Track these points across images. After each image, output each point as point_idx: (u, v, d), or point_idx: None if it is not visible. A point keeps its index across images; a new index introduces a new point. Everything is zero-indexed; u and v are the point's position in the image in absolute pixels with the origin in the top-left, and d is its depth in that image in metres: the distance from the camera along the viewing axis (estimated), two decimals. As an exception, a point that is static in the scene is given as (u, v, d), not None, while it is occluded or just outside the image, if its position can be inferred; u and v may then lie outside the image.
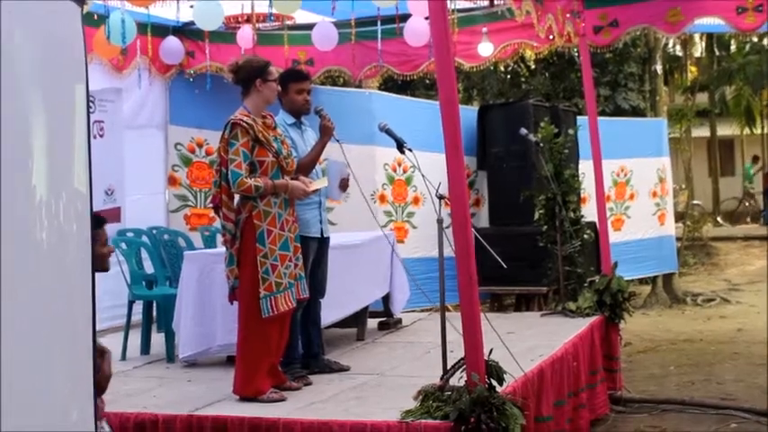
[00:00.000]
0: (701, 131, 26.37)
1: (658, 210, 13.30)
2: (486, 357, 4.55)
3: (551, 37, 8.15)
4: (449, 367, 4.67)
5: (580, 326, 7.21)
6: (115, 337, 7.07)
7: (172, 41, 9.01)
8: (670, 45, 22.64)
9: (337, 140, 5.79)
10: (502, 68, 16.09)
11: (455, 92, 4.80)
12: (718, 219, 23.67)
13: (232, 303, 5.43)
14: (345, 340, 7.16)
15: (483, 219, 10.81)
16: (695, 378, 8.75)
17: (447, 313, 4.90)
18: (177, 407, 5.11)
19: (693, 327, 12.02)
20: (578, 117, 11.29)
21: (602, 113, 13.55)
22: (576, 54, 13.62)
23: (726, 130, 27.02)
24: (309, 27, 8.90)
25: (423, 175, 5.00)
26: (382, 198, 9.86)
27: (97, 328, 3.63)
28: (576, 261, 8.52)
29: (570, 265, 8.45)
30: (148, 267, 7.66)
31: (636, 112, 15.64)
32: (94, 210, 3.71)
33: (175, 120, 9.56)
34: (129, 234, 7.96)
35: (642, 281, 14.19)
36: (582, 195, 9.30)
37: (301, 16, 8.85)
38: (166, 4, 7.88)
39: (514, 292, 10.24)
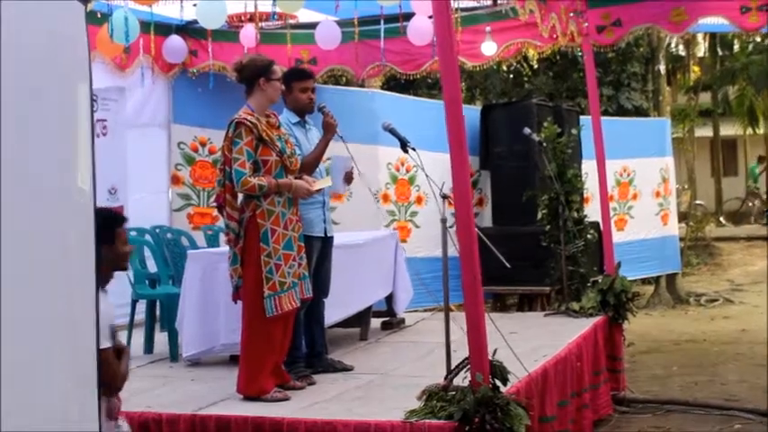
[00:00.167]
0: (704, 131, 26.32)
1: (661, 210, 13.28)
2: (490, 357, 4.54)
3: (555, 36, 8.13)
4: (453, 367, 4.66)
5: (584, 326, 7.20)
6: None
7: (175, 40, 9.00)
8: (673, 45, 22.58)
9: (341, 138, 5.78)
10: (504, 68, 16.07)
11: (459, 91, 4.79)
12: (721, 219, 23.63)
13: (236, 302, 5.42)
14: (348, 340, 7.15)
15: (486, 218, 10.80)
16: (699, 379, 8.73)
17: (450, 313, 4.89)
18: (181, 406, 5.10)
19: (697, 327, 12.01)
20: (581, 117, 11.29)
21: (605, 113, 13.53)
22: (579, 54, 13.61)
23: (729, 129, 26.97)
24: (312, 26, 8.89)
25: (426, 175, 4.99)
26: (385, 197, 9.85)
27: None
28: (579, 261, 8.51)
29: (573, 264, 8.44)
30: (152, 266, 7.66)
31: (639, 111, 15.62)
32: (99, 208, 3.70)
33: (178, 119, 9.56)
34: (132, 233, 7.93)
35: (645, 281, 14.18)
36: (585, 195, 9.29)
37: (304, 15, 8.85)
38: (169, 3, 7.88)
39: (517, 291, 10.23)
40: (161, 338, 6.98)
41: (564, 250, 8.36)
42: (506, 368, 4.62)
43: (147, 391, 5.63)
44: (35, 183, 2.85)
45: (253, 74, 5.39)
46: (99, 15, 7.61)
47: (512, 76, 17.51)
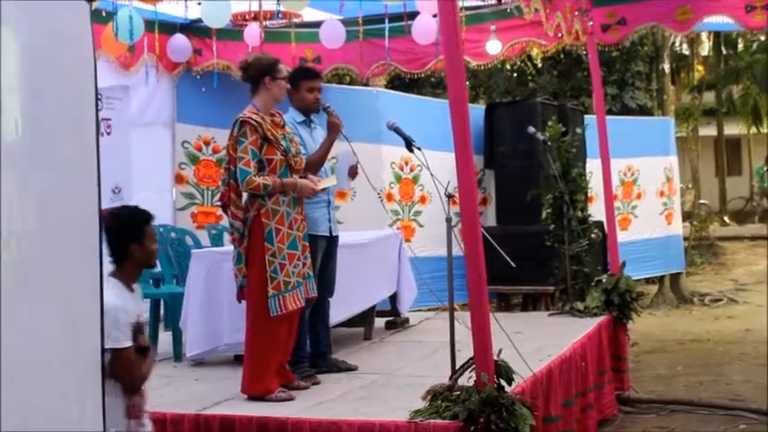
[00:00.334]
0: (708, 130, 26.30)
1: (665, 209, 13.26)
2: (495, 357, 4.52)
3: (560, 35, 8.12)
4: (458, 367, 4.65)
5: (588, 326, 7.19)
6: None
7: (179, 39, 9.00)
8: (677, 44, 22.57)
9: (345, 137, 5.77)
10: (508, 67, 16.05)
11: (464, 90, 4.78)
12: (725, 218, 23.61)
13: (240, 302, 5.41)
14: (353, 339, 7.14)
15: (490, 218, 10.78)
16: (703, 378, 8.72)
17: (455, 313, 4.88)
18: (185, 406, 5.09)
19: (701, 327, 11.99)
20: (585, 116, 11.27)
21: (610, 112, 13.50)
22: (584, 52, 13.59)
23: (733, 129, 26.95)
24: (317, 25, 8.88)
25: (431, 174, 4.98)
26: (389, 197, 9.84)
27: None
28: (584, 260, 8.49)
29: (577, 264, 8.42)
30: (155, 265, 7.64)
31: (643, 110, 15.60)
32: (104, 208, 3.69)
33: (182, 117, 9.55)
34: (136, 232, 7.94)
35: (649, 280, 14.16)
36: (589, 194, 9.27)
37: (309, 14, 8.84)
38: (174, 2, 7.89)
39: (521, 291, 10.22)
40: (165, 338, 6.97)
41: (568, 250, 8.35)
42: (511, 368, 4.61)
43: (150, 390, 5.58)
44: (39, 182, 2.84)
45: (258, 73, 5.38)
46: (104, 14, 7.61)
47: (515, 74, 17.50)
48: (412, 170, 10.03)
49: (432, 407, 4.50)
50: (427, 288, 7.00)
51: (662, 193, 13.20)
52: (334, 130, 5.74)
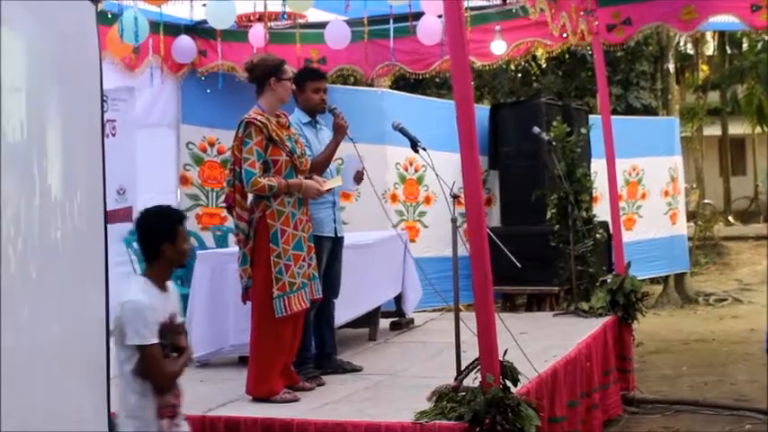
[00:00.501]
0: (713, 130, 26.27)
1: (670, 209, 13.25)
2: (500, 358, 4.52)
3: (565, 35, 8.11)
4: (463, 368, 4.65)
5: (593, 326, 7.18)
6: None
7: (184, 40, 9.00)
8: (681, 43, 22.52)
9: (351, 139, 5.77)
10: (513, 67, 16.05)
11: (470, 90, 4.77)
12: (730, 218, 23.58)
13: (245, 303, 5.41)
14: (357, 340, 7.14)
15: (494, 218, 10.77)
16: (708, 379, 8.71)
17: (460, 313, 4.87)
18: (190, 407, 5.04)
19: (706, 327, 11.98)
20: (590, 116, 11.26)
21: (614, 112, 13.49)
22: (588, 52, 13.58)
23: (737, 128, 26.89)
24: (322, 25, 8.88)
25: (437, 175, 4.98)
26: (394, 197, 9.84)
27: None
28: (589, 261, 8.49)
29: (582, 264, 8.42)
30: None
31: (648, 110, 15.60)
32: (109, 209, 3.70)
33: (187, 119, 9.54)
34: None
35: (654, 280, 14.15)
36: (594, 195, 9.27)
37: (314, 15, 8.83)
38: (179, 3, 7.87)
39: (526, 291, 10.21)
40: (170, 339, 6.96)
41: (573, 250, 8.34)
42: (517, 369, 4.60)
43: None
44: (45, 182, 2.84)
45: (263, 73, 5.37)
46: (109, 15, 7.61)
47: (520, 75, 17.50)
48: (416, 171, 10.03)
49: (437, 408, 4.50)
50: (432, 289, 7.00)
51: (666, 193, 13.19)
52: (340, 132, 5.73)
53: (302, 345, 5.56)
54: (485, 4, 9.03)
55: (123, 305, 3.68)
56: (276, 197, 5.23)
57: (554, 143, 8.51)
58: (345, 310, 6.41)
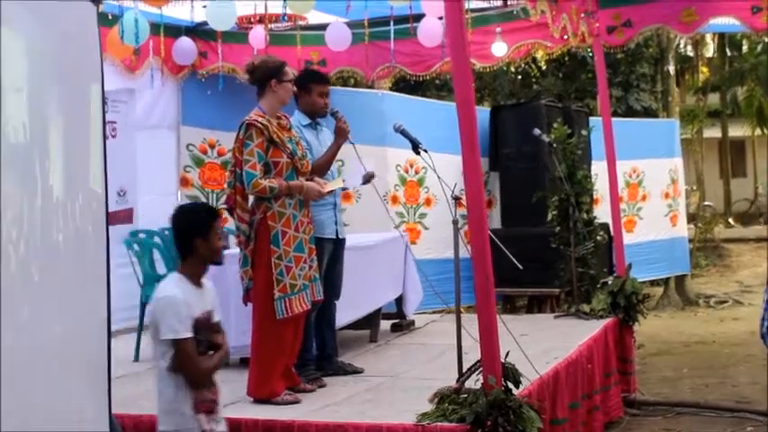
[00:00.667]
0: (713, 132, 26.28)
1: (670, 211, 13.23)
2: (502, 360, 4.51)
3: (566, 37, 8.11)
4: (465, 370, 4.64)
5: (594, 328, 7.18)
6: (128, 339, 7.06)
7: (184, 42, 8.99)
8: (682, 45, 22.54)
9: (351, 143, 5.76)
10: (513, 69, 16.05)
11: (471, 92, 4.77)
12: (730, 220, 23.58)
13: (246, 305, 5.41)
14: (358, 342, 7.13)
15: (495, 220, 10.76)
16: (709, 381, 8.70)
17: (461, 315, 4.87)
18: (191, 409, 5.07)
19: (706, 329, 11.97)
20: (590, 118, 11.26)
21: (615, 114, 13.48)
22: (589, 54, 13.58)
23: (737, 131, 26.91)
24: (322, 27, 8.88)
25: (438, 177, 4.97)
26: (394, 199, 9.83)
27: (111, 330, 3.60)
28: (589, 262, 8.47)
29: (583, 266, 8.41)
30: (161, 269, 7.63)
31: (648, 112, 15.60)
32: (110, 210, 3.68)
33: (187, 120, 9.54)
34: (142, 235, 7.94)
35: (654, 282, 14.13)
36: (594, 196, 9.26)
37: (314, 17, 8.83)
38: (179, 5, 7.87)
39: (527, 293, 10.20)
40: (170, 340, 6.95)
41: (574, 252, 8.33)
42: (518, 371, 4.60)
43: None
44: (47, 183, 2.84)
45: (264, 75, 5.37)
46: (110, 17, 7.60)
47: (520, 77, 17.50)
48: (417, 173, 10.02)
49: (439, 410, 4.50)
50: (432, 290, 6.99)
51: (667, 195, 13.17)
52: (341, 135, 5.73)
53: (303, 346, 5.56)
54: (485, 5, 9.02)
55: (158, 300, 3.71)
56: (277, 199, 5.23)
57: (554, 145, 8.50)
58: (346, 311, 6.41)
